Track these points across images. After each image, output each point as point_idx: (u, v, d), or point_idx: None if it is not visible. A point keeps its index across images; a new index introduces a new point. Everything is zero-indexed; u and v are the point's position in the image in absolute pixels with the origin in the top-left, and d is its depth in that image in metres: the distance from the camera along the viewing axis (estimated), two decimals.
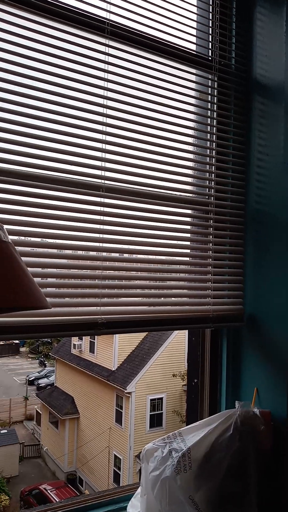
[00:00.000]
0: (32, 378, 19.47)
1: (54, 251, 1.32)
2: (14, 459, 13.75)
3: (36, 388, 18.63)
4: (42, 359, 21.81)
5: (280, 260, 1.58)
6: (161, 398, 12.94)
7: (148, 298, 1.51)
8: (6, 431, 14.90)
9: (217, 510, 1.26)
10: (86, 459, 13.56)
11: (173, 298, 1.52)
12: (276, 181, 1.62)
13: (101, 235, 1.36)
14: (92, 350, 13.95)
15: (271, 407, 1.57)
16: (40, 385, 18.70)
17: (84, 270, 1.38)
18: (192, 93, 1.62)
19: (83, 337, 13.92)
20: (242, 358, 1.69)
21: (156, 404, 12.87)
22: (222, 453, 1.31)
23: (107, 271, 1.40)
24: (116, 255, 1.44)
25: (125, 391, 12.29)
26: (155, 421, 12.77)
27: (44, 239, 1.28)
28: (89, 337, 13.36)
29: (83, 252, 1.39)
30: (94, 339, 13.57)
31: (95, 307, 1.35)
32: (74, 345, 14.64)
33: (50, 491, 11.51)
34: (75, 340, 14.57)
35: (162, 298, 1.55)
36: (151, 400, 12.77)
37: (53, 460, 14.52)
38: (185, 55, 1.59)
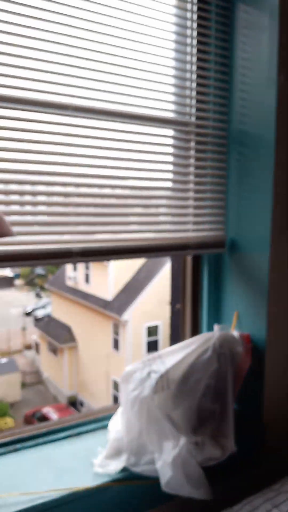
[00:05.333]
0: (29, 309, 19.84)
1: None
2: (15, 386, 14.37)
3: (33, 319, 19.04)
4: (38, 292, 22.09)
5: (262, 185, 1.53)
6: (157, 326, 13.32)
7: (125, 225, 1.46)
8: (5, 360, 15.44)
9: (194, 426, 1.31)
10: (86, 384, 14.19)
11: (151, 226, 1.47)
12: (260, 98, 1.52)
13: (72, 159, 1.30)
14: (87, 280, 14.06)
15: (251, 330, 1.59)
16: (37, 317, 19.10)
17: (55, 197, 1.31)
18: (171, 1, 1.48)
19: (78, 269, 14.00)
20: (224, 284, 1.69)
21: (152, 330, 13.25)
22: (200, 374, 1.34)
23: (81, 198, 1.34)
24: (89, 180, 1.37)
25: (122, 320, 12.60)
26: (151, 347, 13.22)
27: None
28: (84, 268, 13.43)
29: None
30: (89, 270, 13.63)
31: (69, 235, 1.31)
32: (69, 276, 14.72)
33: (53, 413, 12.18)
34: (69, 272, 14.63)
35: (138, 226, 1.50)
36: (148, 327, 13.13)
37: (54, 386, 15.20)
38: None
